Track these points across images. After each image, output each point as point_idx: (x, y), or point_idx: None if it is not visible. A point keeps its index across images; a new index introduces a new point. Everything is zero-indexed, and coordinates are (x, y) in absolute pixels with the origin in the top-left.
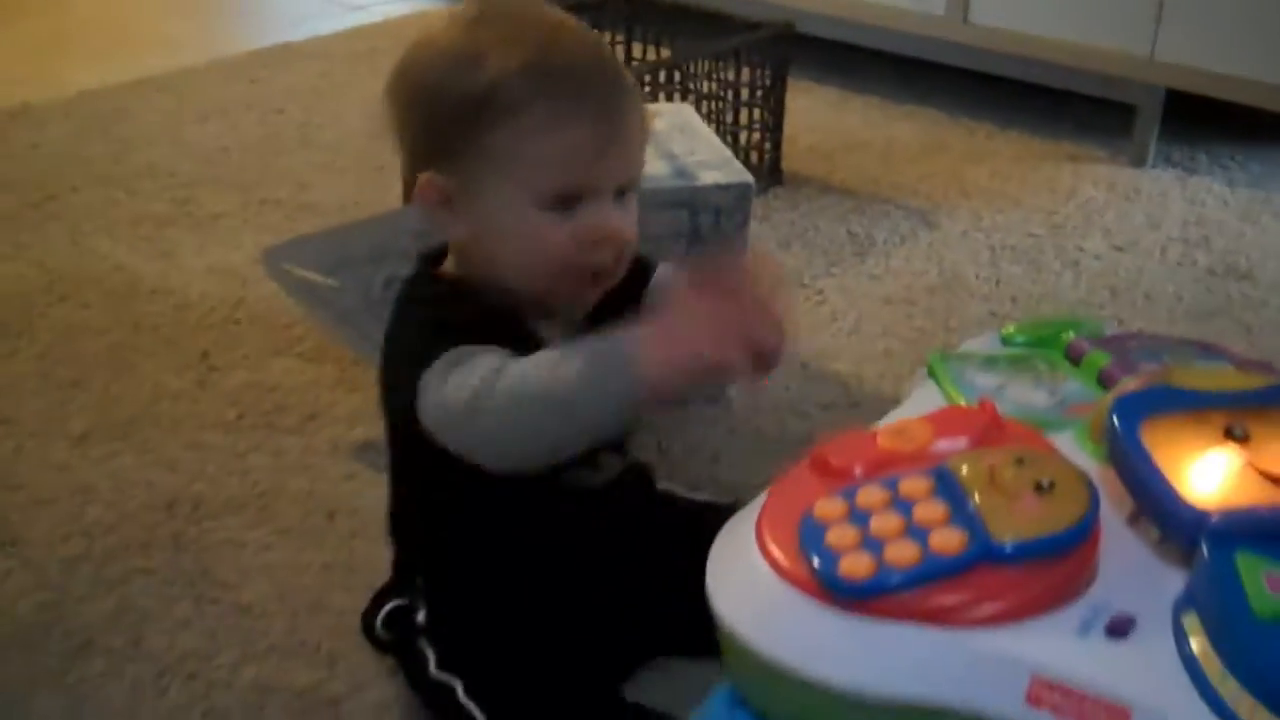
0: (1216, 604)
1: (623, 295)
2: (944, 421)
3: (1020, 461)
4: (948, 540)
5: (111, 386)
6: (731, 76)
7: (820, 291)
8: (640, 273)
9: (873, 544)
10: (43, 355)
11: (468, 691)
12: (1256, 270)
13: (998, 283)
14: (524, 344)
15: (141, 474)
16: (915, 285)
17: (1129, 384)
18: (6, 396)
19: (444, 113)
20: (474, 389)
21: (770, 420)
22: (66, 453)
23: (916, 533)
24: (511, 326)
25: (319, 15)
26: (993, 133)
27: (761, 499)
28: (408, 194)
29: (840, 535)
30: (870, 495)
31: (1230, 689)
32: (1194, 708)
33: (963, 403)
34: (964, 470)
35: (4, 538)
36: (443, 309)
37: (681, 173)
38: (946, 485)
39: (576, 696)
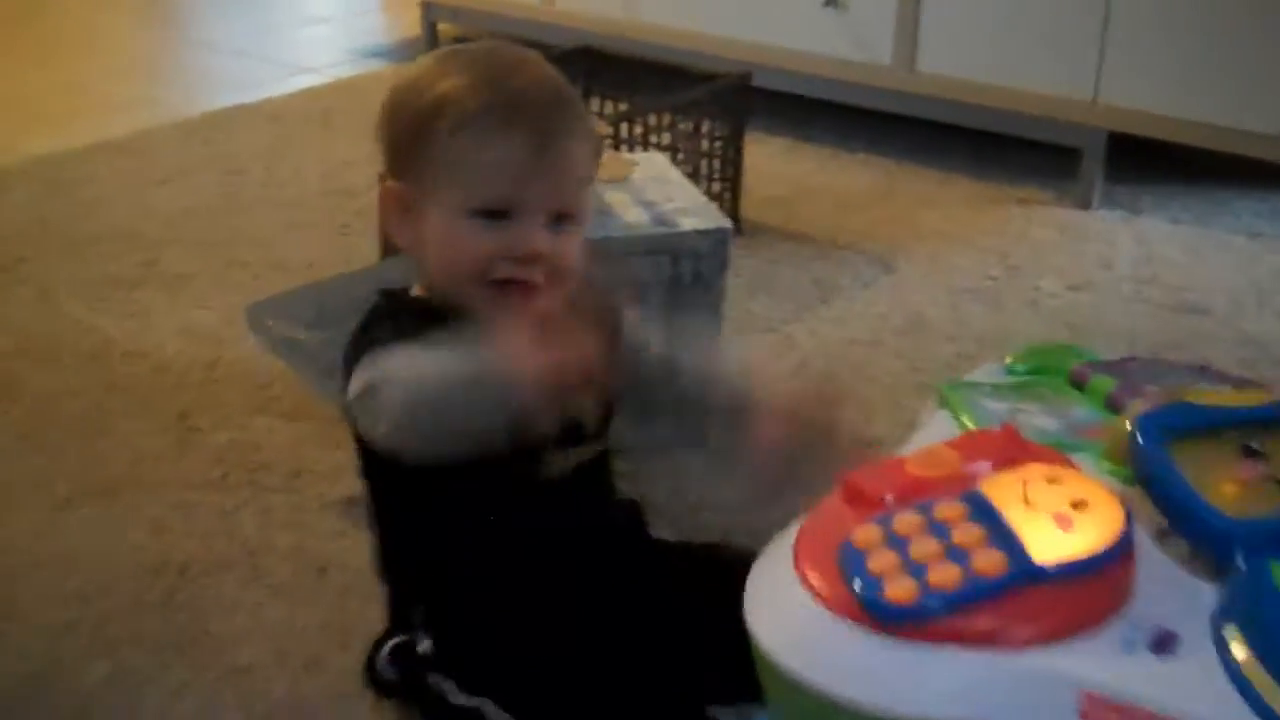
0: (1256, 614)
1: (585, 325)
2: (969, 446)
3: (1052, 481)
4: (989, 562)
5: (91, 450)
6: (691, 128)
7: (788, 337)
8: (608, 310)
9: (914, 568)
10: (20, 420)
11: (501, 706)
12: (1208, 303)
13: (961, 323)
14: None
15: (127, 537)
16: (881, 328)
17: (1140, 405)
18: None
19: (402, 125)
20: (384, 370)
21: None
22: (49, 518)
23: (957, 555)
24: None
25: (269, 79)
26: (942, 178)
27: (793, 530)
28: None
29: (881, 560)
30: (906, 521)
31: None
32: None
33: (975, 427)
34: (997, 492)
35: None
36: (394, 323)
37: (661, 220)
38: (980, 508)
39: (603, 692)
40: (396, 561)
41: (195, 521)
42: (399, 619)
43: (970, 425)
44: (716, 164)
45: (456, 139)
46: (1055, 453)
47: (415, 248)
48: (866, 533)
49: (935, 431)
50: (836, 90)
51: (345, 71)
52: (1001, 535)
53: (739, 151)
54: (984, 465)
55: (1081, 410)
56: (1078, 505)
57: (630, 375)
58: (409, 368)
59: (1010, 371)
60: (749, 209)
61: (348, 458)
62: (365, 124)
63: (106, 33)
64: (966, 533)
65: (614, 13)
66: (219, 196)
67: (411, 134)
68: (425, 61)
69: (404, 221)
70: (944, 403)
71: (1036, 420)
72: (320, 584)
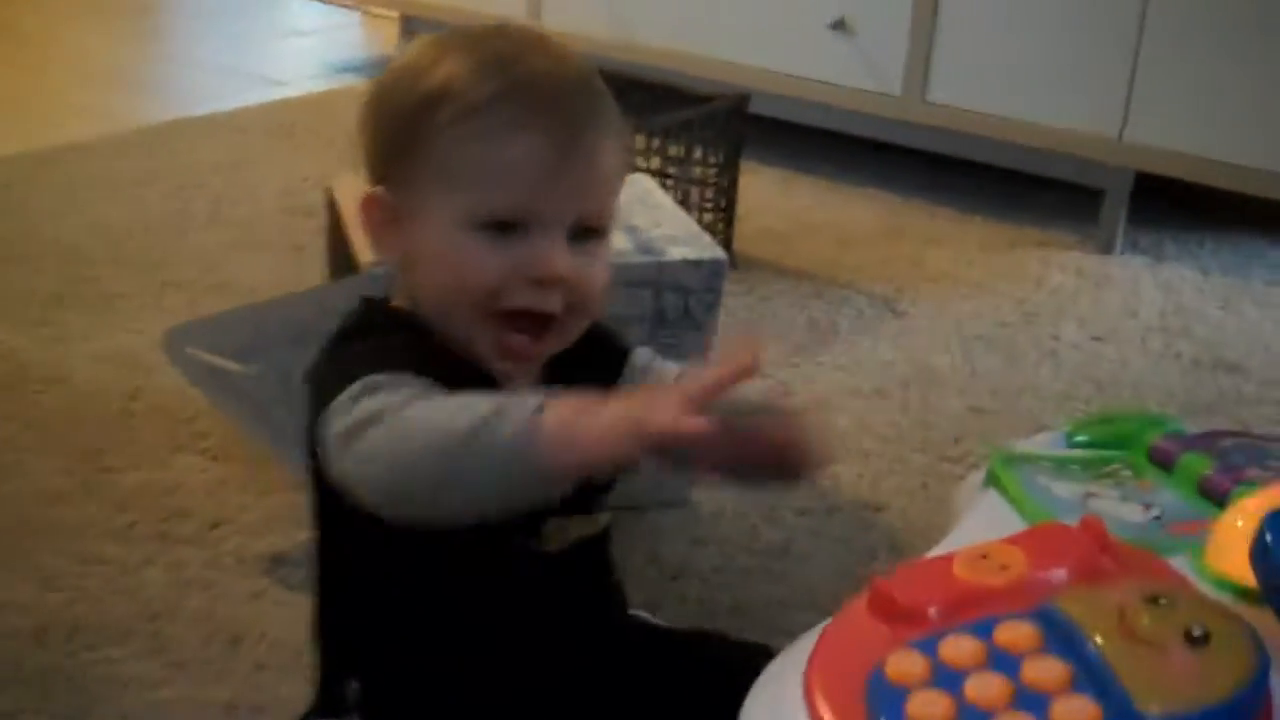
0: None
1: (586, 369)
2: (1038, 545)
3: (1157, 602)
4: (1077, 713)
5: None
6: (682, 152)
7: (783, 383)
8: (613, 350)
9: (974, 716)
10: None
11: None
12: (1245, 362)
13: (973, 373)
14: (468, 382)
15: (11, 593)
16: (885, 377)
17: (1261, 498)
18: None
19: (393, 119)
20: (371, 413)
21: (739, 528)
22: None
23: (1031, 701)
24: (464, 367)
25: (239, 90)
26: (954, 217)
27: (805, 644)
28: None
29: (927, 704)
30: (959, 646)
31: None
32: None
33: (1041, 517)
34: (1081, 612)
35: None
36: (379, 338)
37: (646, 248)
38: (1058, 632)
39: None
40: (337, 628)
41: (92, 578)
42: (327, 697)
43: (1030, 512)
44: (709, 192)
45: (458, 135)
46: (1156, 560)
47: (404, 268)
48: (905, 661)
49: (986, 520)
50: (840, 119)
51: (317, 86)
52: (1092, 674)
53: (733, 180)
54: (1059, 573)
55: (1170, 497)
56: (1197, 637)
57: None
58: (419, 412)
59: (1073, 442)
60: (742, 242)
61: (276, 506)
62: (330, 139)
63: (82, 45)
64: (1043, 668)
65: (603, 32)
66: (167, 211)
67: (403, 130)
68: (420, 44)
69: (391, 236)
70: (994, 480)
71: (1114, 509)
72: (231, 656)
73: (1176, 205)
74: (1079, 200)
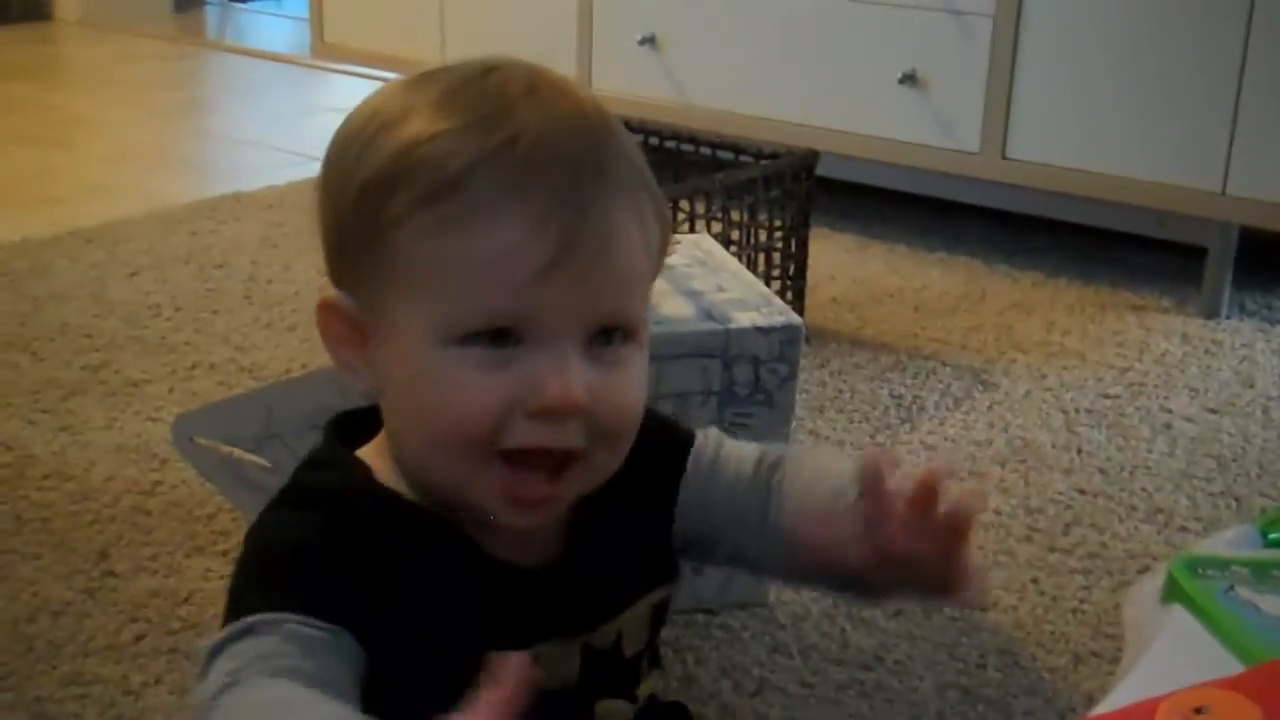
0: None
1: (636, 480)
2: (1266, 688)
3: None
4: None
5: None
6: (746, 215)
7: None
8: (670, 446)
9: None
10: None
11: None
12: None
13: (1079, 452)
14: (449, 560)
15: None
16: (980, 456)
17: None
18: None
19: (350, 198)
20: (212, 692)
21: (825, 632)
22: None
23: None
24: (428, 536)
25: (270, 167)
26: (1039, 280)
27: None
28: None
29: None
30: None
31: None
32: None
33: (1258, 649)
34: None
35: None
36: (310, 517)
37: (709, 314)
38: None
39: None
40: None
41: (90, 702)
42: None
43: (1239, 641)
44: (775, 258)
45: (427, 222)
46: None
47: (382, 401)
48: None
49: (1178, 649)
50: (913, 179)
51: None
52: None
53: (803, 243)
54: None
55: None
56: None
57: (712, 527)
58: (249, 705)
59: (1270, 539)
60: (812, 312)
61: None
62: None
63: (116, 122)
64: None
65: (658, 94)
66: (193, 292)
67: (363, 215)
68: (389, 90)
69: (354, 354)
70: (1178, 593)
71: None
72: None
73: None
74: (1174, 259)
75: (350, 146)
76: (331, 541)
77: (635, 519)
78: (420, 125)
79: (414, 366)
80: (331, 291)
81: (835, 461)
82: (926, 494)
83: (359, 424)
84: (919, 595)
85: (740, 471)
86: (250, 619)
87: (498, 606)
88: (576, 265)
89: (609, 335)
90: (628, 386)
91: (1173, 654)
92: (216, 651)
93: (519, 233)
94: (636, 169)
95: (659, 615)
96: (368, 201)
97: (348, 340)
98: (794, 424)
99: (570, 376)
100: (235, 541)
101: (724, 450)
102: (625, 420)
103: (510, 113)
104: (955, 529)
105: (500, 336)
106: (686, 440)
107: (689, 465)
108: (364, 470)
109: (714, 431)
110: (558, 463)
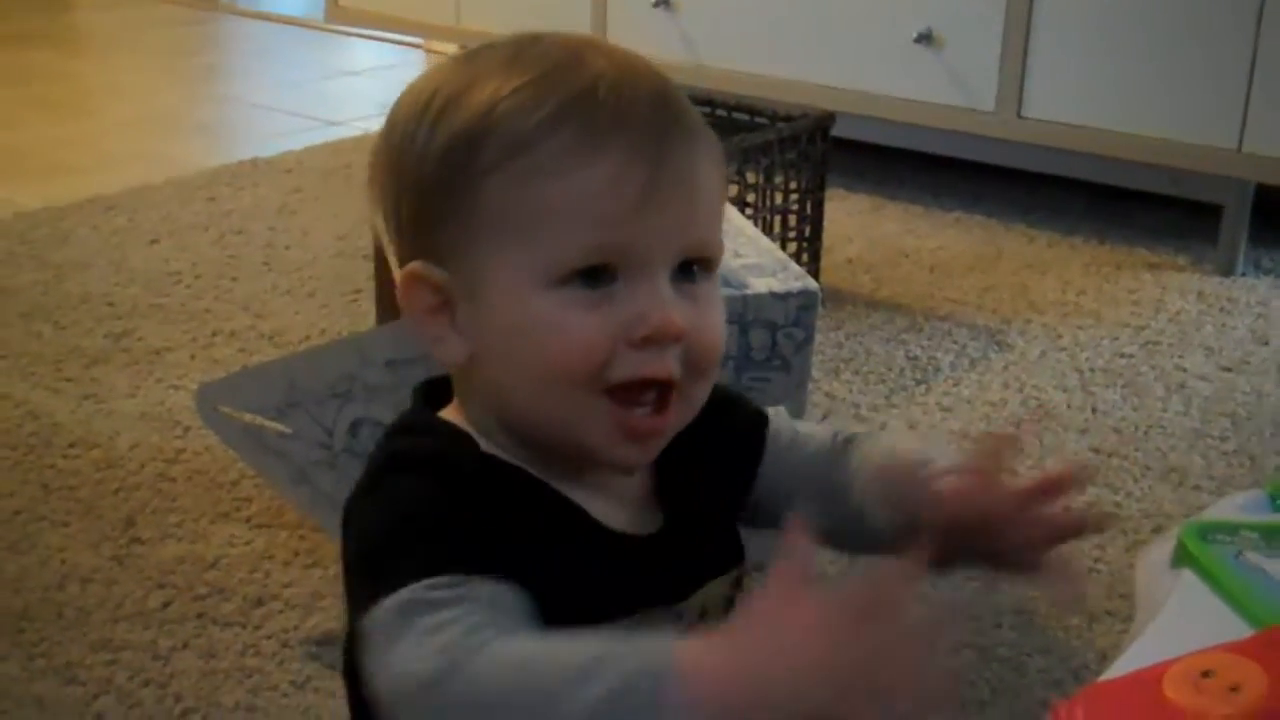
0: None
1: (716, 454)
2: (1273, 653)
3: None
4: None
5: (10, 567)
6: (761, 179)
7: (882, 425)
8: (746, 422)
9: None
10: None
11: None
12: None
13: (1094, 411)
14: (559, 524)
15: (25, 687)
16: (995, 416)
17: None
18: None
19: (431, 165)
20: (436, 668)
21: None
22: None
23: None
24: (537, 500)
25: (292, 131)
26: (1055, 239)
27: None
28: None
29: None
30: None
31: None
32: None
33: (1268, 614)
34: None
35: None
36: (428, 483)
37: (726, 279)
38: None
39: None
40: None
41: (119, 667)
42: None
43: (1250, 606)
44: (791, 220)
45: (515, 174)
46: None
47: (473, 371)
48: None
49: (1188, 614)
50: (929, 139)
51: (371, 126)
52: None
53: (819, 206)
54: None
55: None
56: None
57: (785, 499)
58: (506, 676)
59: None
60: (828, 274)
61: (323, 580)
62: None
63: (136, 89)
64: None
65: (673, 56)
66: (213, 259)
67: (440, 183)
68: (440, 69)
69: (446, 325)
70: (1188, 558)
71: None
72: None
73: None
74: (1190, 217)
75: (418, 126)
76: (463, 503)
77: (718, 494)
78: (495, 85)
79: (516, 315)
80: (414, 265)
81: (913, 441)
82: (1053, 487)
83: (444, 391)
84: (985, 567)
85: (819, 447)
86: (425, 593)
87: (607, 570)
88: (668, 195)
89: (690, 272)
90: (714, 317)
91: (1182, 618)
92: (393, 629)
93: (613, 168)
94: (697, 112)
95: (734, 593)
96: (453, 163)
97: (435, 310)
98: (810, 387)
99: (671, 305)
100: (259, 508)
101: (799, 430)
102: (714, 350)
103: (582, 61)
104: (1068, 528)
105: (595, 275)
106: (761, 420)
107: (768, 446)
108: (464, 436)
109: (783, 410)
110: (660, 396)
